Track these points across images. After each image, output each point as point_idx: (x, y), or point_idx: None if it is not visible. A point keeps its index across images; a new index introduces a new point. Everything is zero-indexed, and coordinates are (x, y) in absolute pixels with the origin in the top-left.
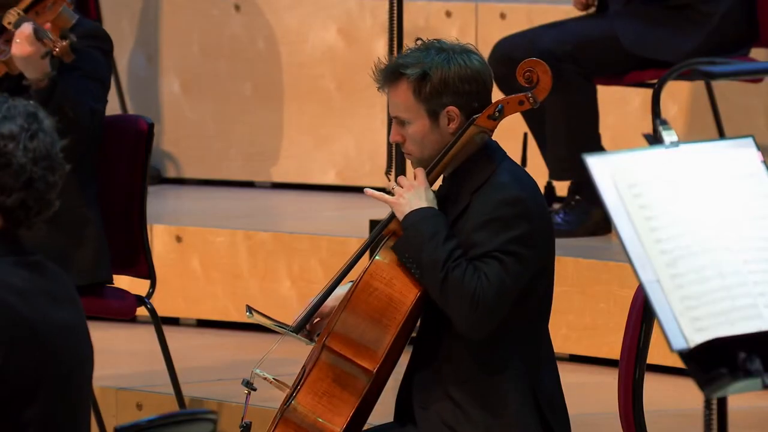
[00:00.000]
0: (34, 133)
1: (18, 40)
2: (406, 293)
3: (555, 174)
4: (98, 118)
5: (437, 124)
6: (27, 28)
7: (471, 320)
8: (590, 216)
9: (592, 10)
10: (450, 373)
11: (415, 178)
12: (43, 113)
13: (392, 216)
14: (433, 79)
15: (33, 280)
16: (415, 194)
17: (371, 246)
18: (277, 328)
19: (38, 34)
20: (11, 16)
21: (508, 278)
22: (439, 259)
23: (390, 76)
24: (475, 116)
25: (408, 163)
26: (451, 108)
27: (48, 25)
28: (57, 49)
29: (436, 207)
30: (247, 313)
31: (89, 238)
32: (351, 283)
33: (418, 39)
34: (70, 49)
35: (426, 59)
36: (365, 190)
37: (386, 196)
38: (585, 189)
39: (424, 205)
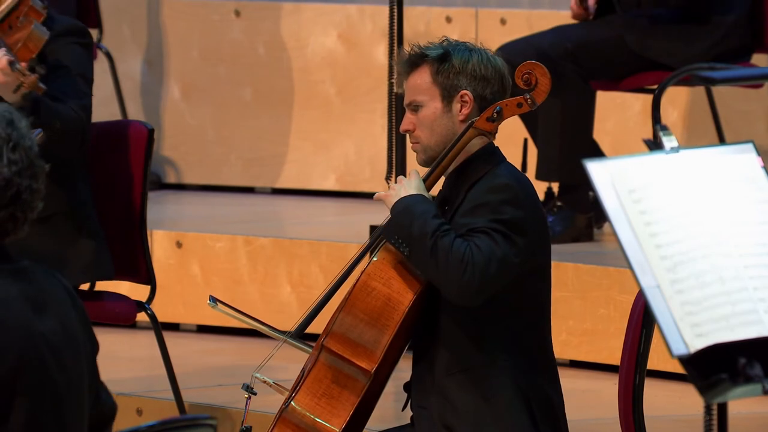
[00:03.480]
0: (16, 142)
1: None
2: (404, 293)
3: (541, 174)
4: (87, 114)
5: (449, 108)
6: (3, 59)
7: (460, 284)
8: (574, 222)
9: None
10: (442, 368)
11: (407, 177)
12: (17, 114)
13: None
14: (453, 60)
15: (16, 288)
16: (404, 186)
17: (370, 249)
18: (248, 322)
19: (12, 66)
20: None
21: (498, 249)
22: (428, 231)
23: (414, 59)
24: (473, 119)
25: (408, 167)
26: (465, 92)
27: (20, 46)
28: (26, 84)
29: (426, 196)
30: (210, 303)
31: (86, 236)
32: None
33: (444, 39)
34: (38, 82)
35: (449, 47)
36: (376, 195)
37: (381, 193)
38: (569, 194)
39: (413, 192)
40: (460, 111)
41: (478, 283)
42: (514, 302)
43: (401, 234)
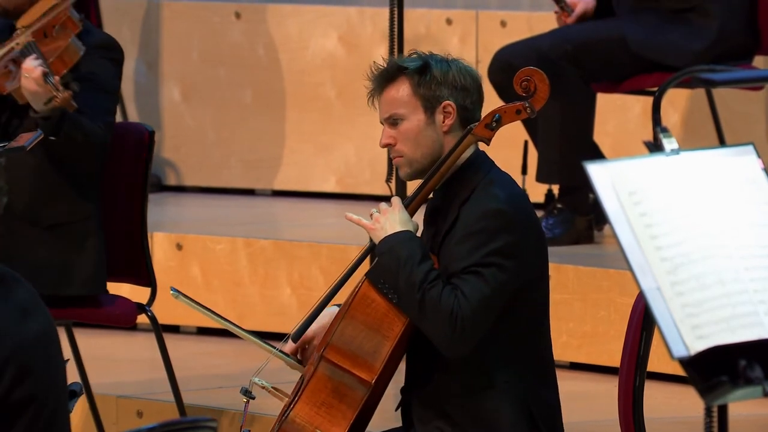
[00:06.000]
0: None
1: (26, 75)
2: None
3: (542, 176)
4: (110, 132)
5: (433, 119)
6: (38, 69)
7: (451, 339)
8: (574, 224)
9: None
10: (444, 388)
11: (390, 205)
12: None
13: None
14: (434, 71)
15: (2, 300)
16: (389, 219)
17: (368, 255)
18: (209, 315)
19: (46, 78)
20: (20, 37)
21: (487, 290)
22: (415, 282)
23: (390, 73)
24: (472, 125)
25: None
26: (448, 102)
27: (55, 58)
28: (58, 99)
29: (411, 230)
30: (172, 292)
31: (90, 250)
32: (336, 306)
33: (413, 52)
34: (71, 99)
35: (427, 58)
36: (346, 214)
37: (363, 221)
38: (569, 196)
39: (398, 229)
40: (443, 122)
41: (468, 337)
42: (510, 318)
43: (388, 280)
